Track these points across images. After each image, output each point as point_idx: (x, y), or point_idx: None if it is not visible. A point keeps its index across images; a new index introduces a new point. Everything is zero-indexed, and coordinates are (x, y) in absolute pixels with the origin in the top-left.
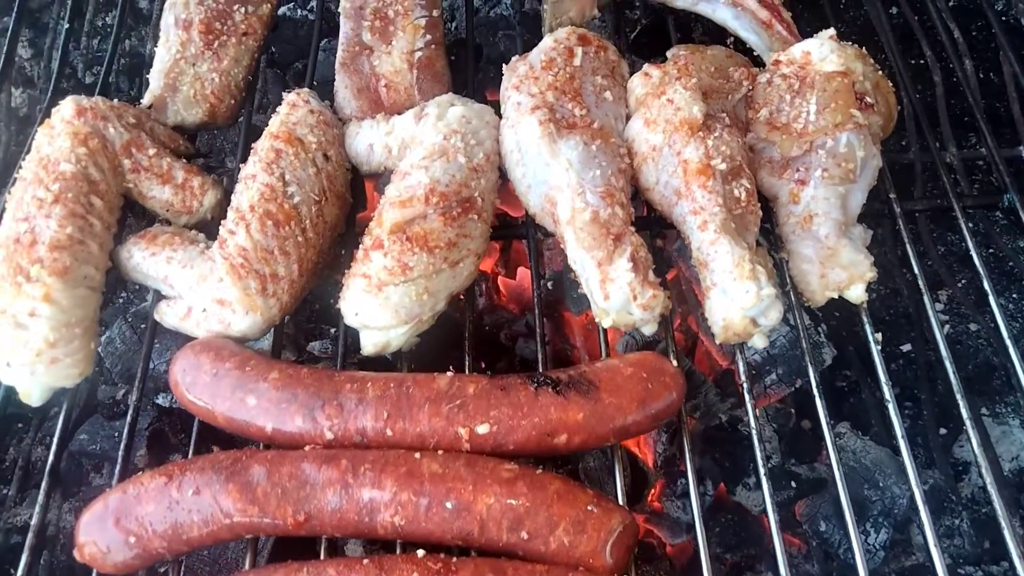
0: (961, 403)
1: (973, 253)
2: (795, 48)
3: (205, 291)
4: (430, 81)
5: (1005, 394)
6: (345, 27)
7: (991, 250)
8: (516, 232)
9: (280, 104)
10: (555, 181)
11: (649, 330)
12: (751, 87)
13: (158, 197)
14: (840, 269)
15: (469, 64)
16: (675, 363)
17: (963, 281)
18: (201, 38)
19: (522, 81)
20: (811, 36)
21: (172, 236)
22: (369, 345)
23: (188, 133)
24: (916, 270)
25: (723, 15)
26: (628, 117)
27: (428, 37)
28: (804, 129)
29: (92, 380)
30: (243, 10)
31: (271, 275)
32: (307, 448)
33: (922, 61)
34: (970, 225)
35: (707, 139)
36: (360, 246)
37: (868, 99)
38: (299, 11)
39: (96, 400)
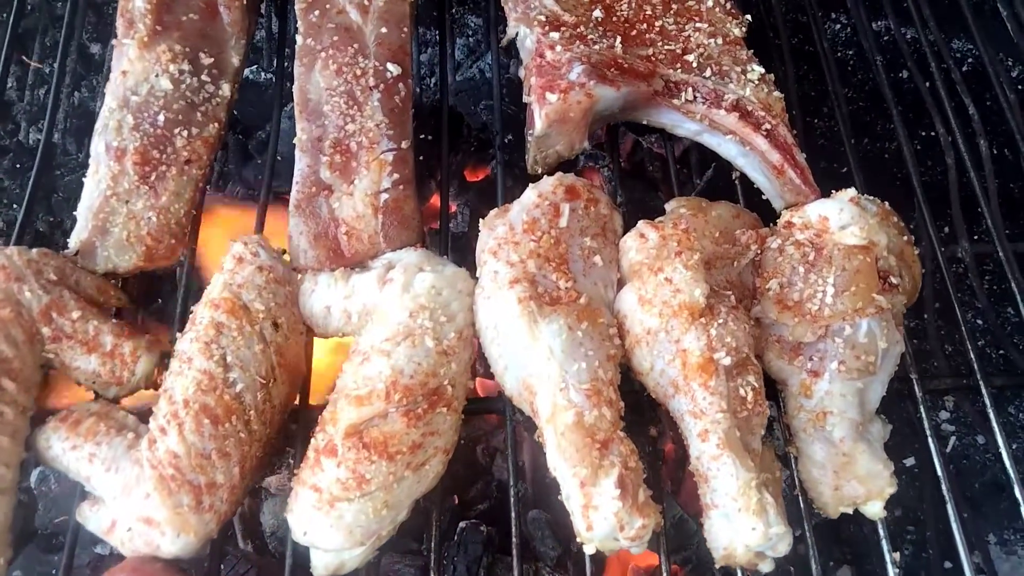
0: (960, 544)
1: (1001, 447)
2: (811, 209)
3: (131, 505)
4: (397, 227)
5: (1015, 518)
6: (301, 163)
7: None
8: (491, 407)
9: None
10: (535, 368)
11: (638, 551)
12: (760, 251)
13: (83, 368)
14: (856, 482)
15: (444, 149)
16: None
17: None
18: (136, 170)
19: (500, 246)
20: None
21: (97, 422)
22: (320, 567)
23: (121, 278)
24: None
25: (729, 151)
26: (620, 280)
27: (396, 176)
28: (819, 312)
29: (28, 506)
30: (185, 133)
31: (207, 485)
32: None
33: (933, 133)
34: (992, 392)
35: (709, 327)
36: (311, 442)
37: (893, 279)
38: (263, 74)
39: (32, 527)
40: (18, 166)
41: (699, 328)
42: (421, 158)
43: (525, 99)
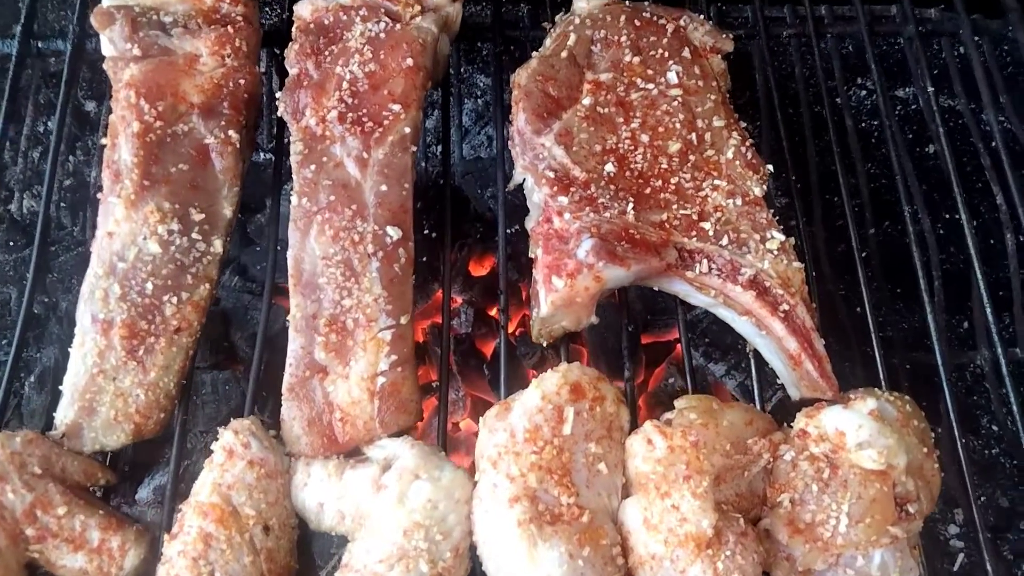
0: None
1: None
2: (827, 420)
3: None
4: (393, 412)
5: None
6: (294, 344)
7: None
8: None
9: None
10: None
11: None
12: (772, 460)
13: (70, 566)
14: None
15: (447, 247)
16: None
17: None
18: (123, 344)
19: (501, 456)
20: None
21: None
22: None
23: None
24: None
25: (744, 330)
26: (625, 483)
27: (394, 357)
28: (832, 539)
29: None
30: (175, 300)
31: None
32: None
33: (957, 216)
34: None
35: (716, 559)
36: None
37: (910, 507)
38: (262, 155)
39: None
40: (11, 243)
41: (706, 560)
42: (424, 259)
43: (531, 254)
